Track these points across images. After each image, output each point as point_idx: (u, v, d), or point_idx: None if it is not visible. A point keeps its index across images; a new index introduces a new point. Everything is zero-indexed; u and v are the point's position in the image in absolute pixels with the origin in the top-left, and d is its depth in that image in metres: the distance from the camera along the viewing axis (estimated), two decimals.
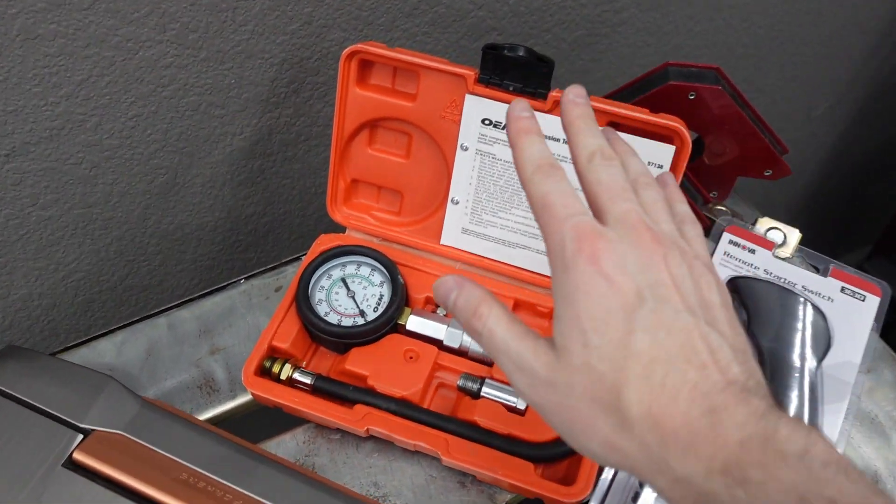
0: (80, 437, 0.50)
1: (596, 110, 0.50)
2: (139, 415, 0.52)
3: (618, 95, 0.61)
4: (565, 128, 0.39)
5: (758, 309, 0.58)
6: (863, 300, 0.59)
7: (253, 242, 0.77)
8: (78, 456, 0.49)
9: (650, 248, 0.34)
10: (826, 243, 1.41)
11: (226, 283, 0.64)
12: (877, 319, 0.58)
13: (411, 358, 0.57)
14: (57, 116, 0.56)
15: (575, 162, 0.38)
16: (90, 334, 0.63)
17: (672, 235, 0.36)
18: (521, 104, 0.39)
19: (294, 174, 0.73)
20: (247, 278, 0.65)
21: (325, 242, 0.63)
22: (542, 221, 0.35)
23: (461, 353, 0.58)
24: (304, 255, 0.62)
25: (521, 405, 0.55)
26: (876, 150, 1.27)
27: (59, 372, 0.53)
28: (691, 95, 0.60)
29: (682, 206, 0.40)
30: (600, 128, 0.39)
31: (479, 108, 0.56)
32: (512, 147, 0.38)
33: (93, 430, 0.51)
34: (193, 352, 0.60)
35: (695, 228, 0.38)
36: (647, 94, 0.60)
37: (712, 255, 0.62)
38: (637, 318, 0.32)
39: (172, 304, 0.63)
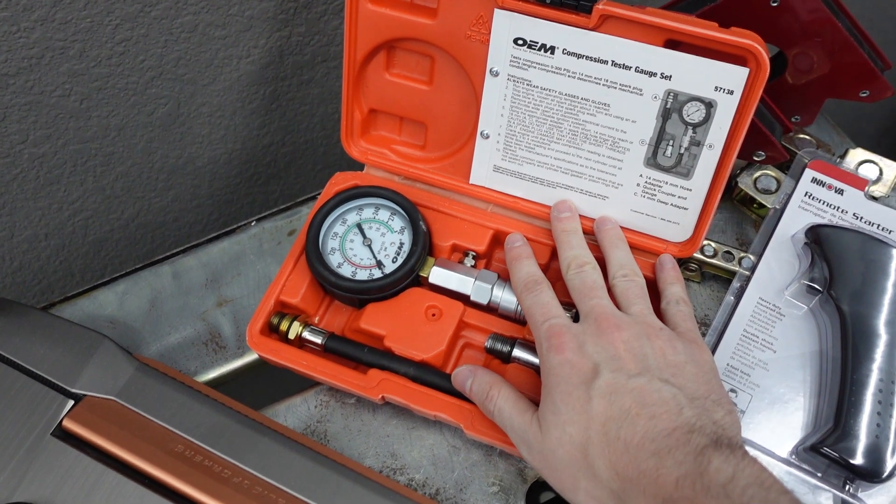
0: (71, 403, 0.47)
1: (651, 26, 0.46)
2: (134, 379, 0.48)
3: (681, 5, 0.51)
4: (554, 239, 0.51)
5: (841, 264, 0.49)
6: None
7: (274, 175, 0.71)
8: (68, 424, 0.46)
9: (608, 332, 0.42)
10: None
11: (234, 227, 0.58)
12: None
13: (434, 315, 0.51)
14: (34, 44, 0.50)
15: (561, 270, 0.49)
16: (106, 275, 0.59)
17: (639, 316, 0.44)
18: (515, 236, 0.52)
19: (312, 100, 0.66)
20: (258, 220, 0.59)
21: (339, 182, 0.56)
22: (530, 327, 0.46)
23: (490, 309, 0.51)
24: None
25: None
26: None
27: (51, 330, 0.49)
28: (774, 2, 0.49)
29: (673, 288, 0.49)
30: (597, 217, 0.52)
31: (510, 26, 0.47)
32: (508, 270, 0.50)
33: (84, 395, 0.47)
34: (199, 303, 0.55)
35: (678, 306, 0.47)
36: (718, 2, 0.49)
37: (791, 196, 0.52)
38: (593, 387, 0.40)
39: (177, 251, 0.57)
